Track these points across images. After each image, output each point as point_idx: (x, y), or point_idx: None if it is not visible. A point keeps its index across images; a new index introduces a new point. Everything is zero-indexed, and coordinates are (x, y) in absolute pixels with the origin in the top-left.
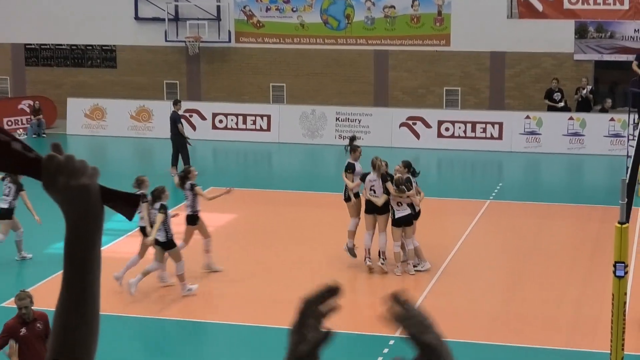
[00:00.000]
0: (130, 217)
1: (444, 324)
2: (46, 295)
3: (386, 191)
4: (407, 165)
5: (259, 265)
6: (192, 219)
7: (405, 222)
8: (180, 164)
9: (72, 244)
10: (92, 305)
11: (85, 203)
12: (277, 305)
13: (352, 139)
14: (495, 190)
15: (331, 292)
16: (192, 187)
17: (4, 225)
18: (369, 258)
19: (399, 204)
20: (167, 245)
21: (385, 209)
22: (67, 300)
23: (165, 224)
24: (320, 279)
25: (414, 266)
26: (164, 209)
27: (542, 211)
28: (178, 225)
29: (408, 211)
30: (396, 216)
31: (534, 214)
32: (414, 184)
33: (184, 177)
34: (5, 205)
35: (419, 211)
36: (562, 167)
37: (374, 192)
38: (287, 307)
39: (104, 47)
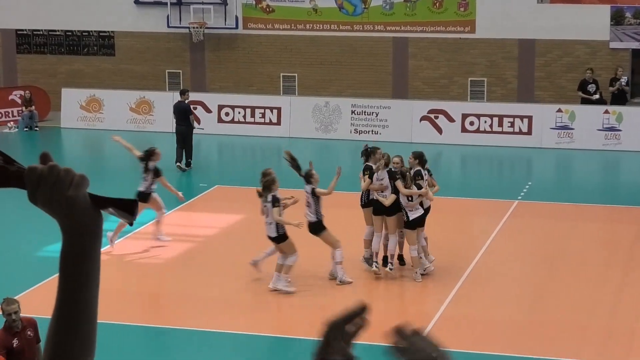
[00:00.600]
0: (130, 222)
1: (468, 334)
2: (37, 302)
3: (395, 191)
4: (418, 157)
5: (266, 271)
6: (316, 227)
7: (420, 224)
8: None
9: (66, 256)
10: (88, 322)
11: (72, 216)
12: (283, 312)
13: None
14: (524, 190)
15: (358, 313)
16: (313, 190)
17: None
18: (377, 263)
19: (409, 199)
20: (278, 239)
21: (394, 209)
22: (61, 317)
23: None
24: (332, 285)
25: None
26: (277, 202)
27: (575, 212)
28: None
29: (421, 211)
30: (410, 218)
31: (565, 216)
32: (425, 177)
33: (306, 178)
34: (142, 189)
35: (429, 207)
36: (596, 164)
37: (382, 191)
38: (291, 314)
39: (101, 34)
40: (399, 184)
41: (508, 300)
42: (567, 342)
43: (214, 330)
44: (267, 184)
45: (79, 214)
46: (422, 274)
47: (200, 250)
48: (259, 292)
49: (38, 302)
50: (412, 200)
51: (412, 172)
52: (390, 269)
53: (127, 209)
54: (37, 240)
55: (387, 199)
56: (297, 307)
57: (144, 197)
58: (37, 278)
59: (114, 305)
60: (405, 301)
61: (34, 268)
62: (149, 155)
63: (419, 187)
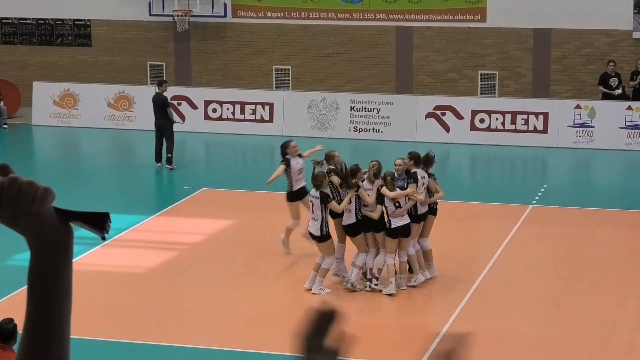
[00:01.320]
0: (102, 236)
1: (477, 351)
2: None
3: (381, 201)
4: (414, 158)
5: (248, 282)
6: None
7: (402, 233)
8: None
9: (35, 275)
10: (60, 342)
11: (39, 232)
12: (277, 326)
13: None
14: (539, 194)
15: (327, 318)
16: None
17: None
18: (370, 282)
19: (397, 206)
20: (320, 238)
21: (383, 224)
22: (31, 337)
23: (323, 218)
24: (332, 298)
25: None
26: (327, 198)
27: (594, 218)
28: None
29: (406, 221)
30: (392, 226)
31: (584, 222)
32: (420, 181)
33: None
34: (287, 189)
35: (435, 207)
36: (618, 165)
37: (366, 205)
38: (286, 328)
39: (76, 22)
40: (385, 190)
41: (521, 314)
42: (588, 358)
43: (201, 346)
44: (319, 180)
45: (47, 230)
46: (411, 285)
47: (185, 259)
48: (249, 305)
49: (7, 314)
50: (399, 207)
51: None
52: (376, 285)
53: (97, 223)
54: (6, 249)
55: (375, 212)
56: (292, 321)
57: (291, 196)
58: (7, 289)
59: (92, 320)
60: (408, 315)
61: (3, 279)
62: (284, 148)
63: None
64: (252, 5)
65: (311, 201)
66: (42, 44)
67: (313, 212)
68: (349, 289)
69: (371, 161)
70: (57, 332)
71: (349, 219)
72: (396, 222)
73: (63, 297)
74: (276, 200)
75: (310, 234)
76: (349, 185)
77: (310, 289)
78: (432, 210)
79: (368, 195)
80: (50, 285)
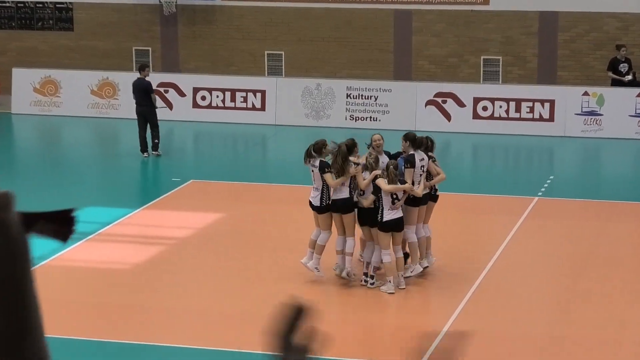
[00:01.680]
0: (64, 239)
1: (479, 352)
2: None
3: (376, 190)
4: (410, 139)
5: (239, 278)
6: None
7: (395, 226)
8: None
9: None
10: (34, 349)
11: (6, 243)
12: (260, 324)
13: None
14: (545, 185)
15: (297, 315)
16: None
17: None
18: (365, 276)
19: (394, 198)
20: (319, 209)
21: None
22: (2, 347)
23: (324, 188)
24: (325, 295)
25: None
26: (327, 167)
27: (603, 211)
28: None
29: (399, 214)
30: (384, 219)
31: (592, 215)
32: (419, 164)
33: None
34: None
35: (436, 193)
36: (628, 155)
37: (363, 193)
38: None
39: (58, 5)
40: (381, 181)
41: (526, 312)
42: None
43: (191, 346)
44: (318, 146)
45: (12, 238)
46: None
47: (173, 253)
48: (240, 301)
49: None
50: (397, 199)
51: (404, 157)
52: (372, 284)
53: (64, 222)
54: None
55: (367, 200)
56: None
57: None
58: None
59: (76, 319)
60: (406, 314)
61: None
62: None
63: (402, 182)
64: None
65: (312, 170)
66: (21, 28)
67: (314, 182)
68: (344, 278)
69: (374, 134)
70: (31, 337)
71: (341, 193)
72: (388, 215)
73: (32, 305)
74: (264, 192)
75: (310, 203)
76: (343, 169)
77: (307, 264)
78: (433, 196)
79: (363, 179)
80: (19, 296)
